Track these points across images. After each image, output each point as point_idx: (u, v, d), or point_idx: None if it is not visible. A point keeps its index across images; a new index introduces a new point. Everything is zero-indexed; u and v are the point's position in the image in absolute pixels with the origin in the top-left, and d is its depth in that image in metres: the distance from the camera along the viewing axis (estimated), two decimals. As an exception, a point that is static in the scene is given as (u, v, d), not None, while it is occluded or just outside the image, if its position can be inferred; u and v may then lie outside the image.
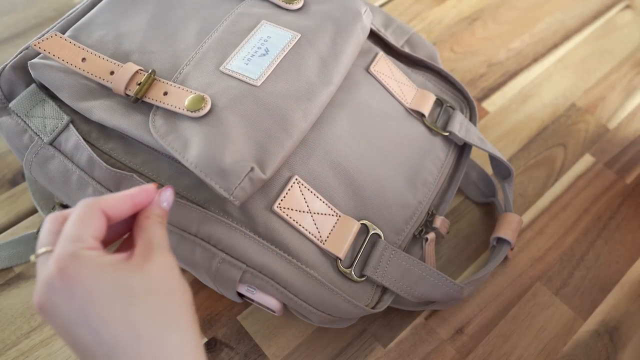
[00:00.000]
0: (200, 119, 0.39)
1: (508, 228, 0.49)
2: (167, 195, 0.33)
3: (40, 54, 0.43)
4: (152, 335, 0.27)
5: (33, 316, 0.46)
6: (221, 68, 0.42)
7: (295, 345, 0.46)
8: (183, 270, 0.48)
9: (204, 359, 0.29)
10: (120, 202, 0.31)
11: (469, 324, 0.48)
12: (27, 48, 0.44)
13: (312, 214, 0.41)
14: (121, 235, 0.33)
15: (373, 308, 0.42)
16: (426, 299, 0.43)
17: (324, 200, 0.42)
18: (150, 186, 0.33)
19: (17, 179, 0.54)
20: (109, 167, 0.40)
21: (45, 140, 0.41)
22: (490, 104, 0.62)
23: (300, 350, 0.46)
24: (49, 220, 0.30)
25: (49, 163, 0.41)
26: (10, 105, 0.42)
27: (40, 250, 0.29)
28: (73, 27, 0.45)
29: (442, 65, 0.56)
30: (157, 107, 0.40)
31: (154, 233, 0.31)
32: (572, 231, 0.53)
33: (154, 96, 0.40)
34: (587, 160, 0.58)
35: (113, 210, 0.30)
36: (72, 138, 0.41)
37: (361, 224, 0.43)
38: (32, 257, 0.30)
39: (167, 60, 0.43)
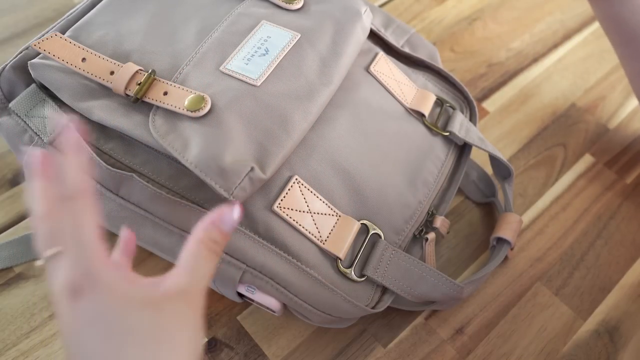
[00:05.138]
0: (200, 118, 0.39)
1: (508, 228, 0.49)
2: (230, 216, 0.29)
3: (40, 54, 0.43)
4: None
5: (33, 316, 0.46)
6: (221, 68, 0.42)
7: (295, 345, 0.46)
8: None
9: None
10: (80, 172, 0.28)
11: (469, 324, 0.48)
12: (27, 48, 0.44)
13: (312, 214, 0.41)
14: None
15: (373, 308, 0.42)
16: (426, 299, 0.43)
17: (324, 200, 0.42)
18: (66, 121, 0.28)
19: (17, 179, 0.54)
20: (109, 167, 0.40)
21: (45, 140, 0.41)
22: (490, 104, 0.62)
23: (300, 350, 0.46)
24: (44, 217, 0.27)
25: (49, 163, 0.41)
26: (10, 105, 0.42)
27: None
28: (73, 27, 0.45)
29: (442, 65, 0.56)
30: (157, 107, 0.40)
31: (195, 267, 0.28)
32: (572, 231, 0.53)
33: (154, 96, 0.40)
34: (587, 160, 0.58)
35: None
36: (72, 138, 0.41)
37: (361, 223, 0.43)
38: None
39: (167, 60, 0.43)
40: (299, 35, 0.44)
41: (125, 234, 0.36)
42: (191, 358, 0.26)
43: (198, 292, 0.27)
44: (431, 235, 0.46)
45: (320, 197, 0.42)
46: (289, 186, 0.41)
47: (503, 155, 0.55)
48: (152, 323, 0.26)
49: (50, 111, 0.42)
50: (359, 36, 0.47)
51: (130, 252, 0.36)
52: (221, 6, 0.47)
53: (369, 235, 0.43)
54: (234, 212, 0.29)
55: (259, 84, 0.41)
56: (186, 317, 0.26)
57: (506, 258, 0.51)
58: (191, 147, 0.38)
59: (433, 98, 0.51)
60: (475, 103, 0.53)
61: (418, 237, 0.46)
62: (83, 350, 0.25)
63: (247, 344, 0.46)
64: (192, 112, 0.39)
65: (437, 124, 0.50)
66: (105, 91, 0.42)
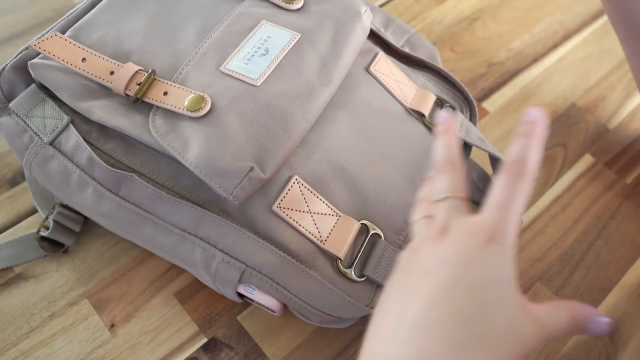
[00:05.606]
0: (200, 119, 0.39)
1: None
2: (600, 324, 0.30)
3: (40, 54, 0.43)
4: None
5: (33, 316, 0.46)
6: (221, 68, 0.42)
7: (295, 345, 0.46)
8: (184, 271, 0.49)
9: None
10: None
11: (469, 324, 0.48)
12: (27, 48, 0.44)
13: (312, 214, 0.41)
14: None
15: (373, 308, 0.42)
16: (426, 299, 0.43)
17: (324, 200, 0.42)
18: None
19: (17, 179, 0.54)
20: (108, 167, 0.40)
21: (45, 140, 0.41)
22: (490, 104, 0.62)
23: (300, 350, 0.46)
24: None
25: (49, 163, 0.41)
26: (10, 105, 0.42)
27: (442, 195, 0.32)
28: (73, 27, 0.45)
29: (442, 65, 0.56)
30: (157, 107, 0.40)
31: (549, 325, 0.29)
32: (572, 231, 0.53)
33: (154, 96, 0.40)
34: (587, 160, 0.58)
35: None
36: (72, 138, 0.41)
37: (361, 223, 0.43)
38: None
39: (167, 60, 0.43)
40: (299, 35, 0.44)
41: None
42: None
43: (534, 343, 0.28)
44: (431, 235, 0.46)
45: (320, 197, 0.42)
46: (288, 186, 0.41)
47: (503, 156, 0.55)
48: (508, 317, 0.27)
49: (50, 111, 0.42)
50: (359, 36, 0.47)
51: None
52: (221, 6, 0.47)
53: (369, 235, 0.43)
54: (605, 325, 0.31)
55: (259, 84, 0.41)
56: (520, 347, 0.27)
57: (506, 258, 0.51)
58: (191, 147, 0.38)
59: (433, 98, 0.51)
60: (475, 103, 0.53)
61: (418, 237, 0.46)
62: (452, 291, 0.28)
63: (247, 344, 0.46)
64: (192, 112, 0.39)
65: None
66: (105, 91, 0.42)
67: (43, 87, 0.43)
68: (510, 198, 0.30)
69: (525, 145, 0.31)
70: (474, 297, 0.27)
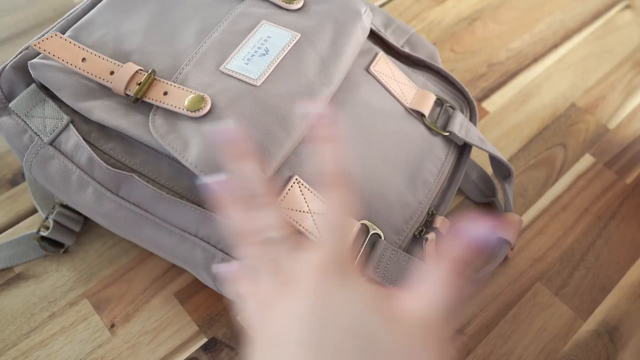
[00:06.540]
0: (200, 118, 0.39)
1: (508, 228, 0.49)
2: None
3: (40, 54, 0.43)
4: None
5: (33, 316, 0.46)
6: (221, 68, 0.42)
7: (295, 345, 0.46)
8: (184, 271, 0.49)
9: None
10: None
11: (469, 324, 0.48)
12: (27, 48, 0.44)
13: (312, 213, 0.41)
14: None
15: (373, 308, 0.42)
16: (426, 299, 0.43)
17: (324, 200, 0.42)
18: None
19: (17, 179, 0.54)
20: (109, 167, 0.40)
21: (45, 140, 0.41)
22: (490, 104, 0.62)
23: (300, 350, 0.46)
24: None
25: (49, 163, 0.41)
26: (10, 105, 0.42)
27: None
28: (73, 27, 0.45)
29: (442, 65, 0.56)
30: (157, 107, 0.40)
31: None
32: (572, 231, 0.53)
33: (154, 96, 0.40)
34: (587, 160, 0.58)
35: None
36: (72, 138, 0.41)
37: (361, 224, 0.43)
38: None
39: (167, 60, 0.43)
40: (299, 35, 0.44)
41: None
42: None
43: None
44: (431, 236, 0.46)
45: (320, 197, 0.42)
46: (289, 186, 0.41)
47: (503, 155, 0.55)
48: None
49: (50, 111, 0.42)
50: (359, 36, 0.47)
51: None
52: (221, 6, 0.47)
53: (369, 236, 0.43)
54: None
55: (259, 84, 0.41)
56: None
57: (506, 258, 0.51)
58: (191, 147, 0.38)
59: (433, 98, 0.51)
60: (475, 103, 0.53)
61: (418, 237, 0.46)
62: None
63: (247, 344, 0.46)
64: (192, 112, 0.39)
65: (437, 124, 0.50)
66: (105, 91, 0.42)
67: (43, 87, 0.43)
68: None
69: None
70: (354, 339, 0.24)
